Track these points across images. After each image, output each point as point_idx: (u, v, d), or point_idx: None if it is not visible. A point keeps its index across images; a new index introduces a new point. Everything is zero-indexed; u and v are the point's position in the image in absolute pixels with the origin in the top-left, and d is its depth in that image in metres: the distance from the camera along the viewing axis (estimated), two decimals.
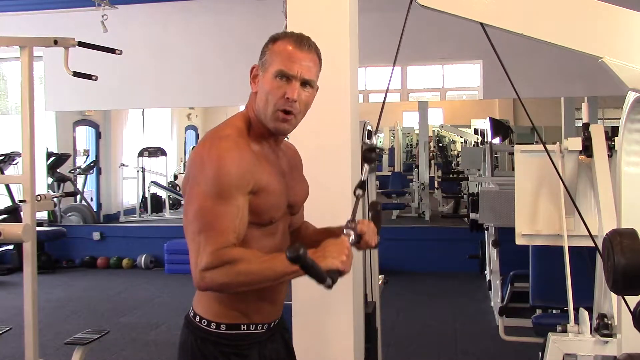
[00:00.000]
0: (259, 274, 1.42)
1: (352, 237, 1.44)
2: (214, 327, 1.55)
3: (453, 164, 9.71)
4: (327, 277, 1.32)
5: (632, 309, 1.17)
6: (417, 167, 8.73)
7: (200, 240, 1.42)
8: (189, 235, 1.46)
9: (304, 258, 1.25)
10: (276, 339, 1.66)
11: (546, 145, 1.99)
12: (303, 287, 1.94)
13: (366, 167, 1.46)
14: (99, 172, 8.81)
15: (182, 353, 1.60)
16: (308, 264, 1.27)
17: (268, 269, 1.42)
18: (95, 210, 8.63)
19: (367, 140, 1.46)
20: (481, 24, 1.43)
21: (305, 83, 1.52)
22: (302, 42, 1.53)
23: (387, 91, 1.64)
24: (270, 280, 1.44)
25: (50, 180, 7.99)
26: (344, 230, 1.45)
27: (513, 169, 2.93)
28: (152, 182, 9.36)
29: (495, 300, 4.96)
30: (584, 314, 2.24)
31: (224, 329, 1.55)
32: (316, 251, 1.38)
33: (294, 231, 1.76)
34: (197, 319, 1.57)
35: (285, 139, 1.69)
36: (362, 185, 1.45)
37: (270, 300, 1.60)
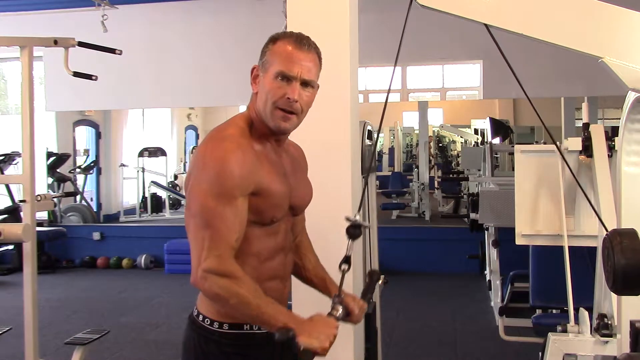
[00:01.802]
0: (250, 308, 1.43)
1: (340, 312, 1.51)
2: (217, 327, 1.55)
3: (453, 164, 9.72)
4: (303, 358, 1.40)
5: (630, 332, 1.16)
6: (417, 167, 8.74)
7: (205, 237, 1.43)
8: (191, 232, 1.47)
9: (291, 342, 1.36)
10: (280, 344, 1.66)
11: (545, 145, 1.99)
12: (303, 287, 1.94)
13: (350, 242, 1.50)
14: (99, 172, 8.81)
15: (186, 352, 1.61)
16: (292, 346, 1.37)
17: (259, 309, 1.43)
18: (95, 210, 8.63)
19: (349, 216, 1.49)
20: (485, 25, 1.43)
21: (305, 83, 1.52)
22: (302, 42, 1.53)
23: (389, 91, 1.64)
24: (254, 320, 1.48)
25: (50, 180, 7.99)
26: (333, 303, 1.52)
27: (513, 169, 2.93)
28: (152, 182, 9.36)
29: (495, 300, 4.96)
30: (584, 314, 2.24)
31: (227, 328, 1.55)
32: (304, 323, 1.44)
33: (297, 245, 1.75)
34: (200, 318, 1.57)
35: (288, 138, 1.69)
36: (347, 260, 1.50)
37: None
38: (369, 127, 2.84)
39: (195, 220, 1.45)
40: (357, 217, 1.48)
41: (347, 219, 1.47)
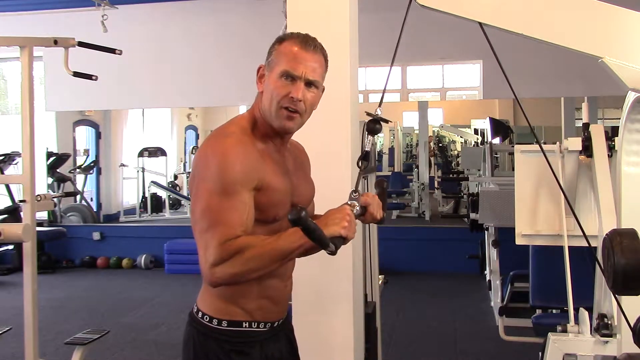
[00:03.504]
0: (267, 255, 1.42)
1: (357, 208, 1.46)
2: (216, 324, 1.55)
3: (453, 164, 9.72)
4: (329, 243, 1.33)
5: (632, 325, 1.16)
6: (417, 167, 8.74)
7: (207, 236, 1.43)
8: (196, 233, 1.47)
9: (305, 220, 1.26)
10: (280, 338, 1.67)
11: (546, 145, 1.99)
12: (303, 287, 1.94)
13: (370, 138, 1.47)
14: (99, 172, 8.81)
15: (186, 349, 1.61)
16: (310, 227, 1.29)
17: (274, 249, 1.42)
18: (95, 210, 8.63)
19: (370, 111, 1.47)
20: (480, 23, 1.43)
21: (309, 84, 1.53)
22: (308, 42, 1.54)
23: (384, 91, 1.64)
24: (279, 259, 1.45)
25: (50, 180, 7.98)
26: (348, 201, 1.47)
27: (513, 169, 2.92)
28: (152, 182, 9.36)
29: (495, 300, 4.96)
30: (584, 314, 2.24)
31: (226, 325, 1.55)
32: (318, 220, 1.39)
33: None
34: (200, 315, 1.58)
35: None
36: (365, 156, 1.48)
37: (272, 299, 1.60)
38: None
39: (200, 222, 1.45)
40: (379, 111, 1.45)
41: (368, 114, 1.45)
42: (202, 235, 1.45)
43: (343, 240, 1.38)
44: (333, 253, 1.35)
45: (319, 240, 1.31)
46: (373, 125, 1.46)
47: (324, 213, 1.46)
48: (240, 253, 1.41)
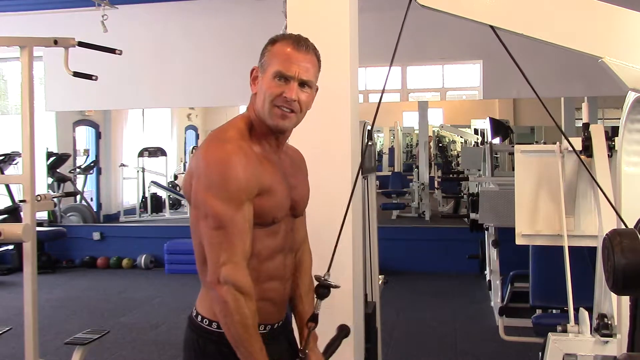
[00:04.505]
0: (243, 340, 1.46)
1: None
2: (215, 327, 1.55)
3: (453, 164, 9.71)
4: None
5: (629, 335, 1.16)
6: (417, 167, 8.74)
7: (222, 240, 1.45)
8: (205, 234, 1.48)
9: None
10: (280, 340, 1.67)
11: (546, 145, 1.99)
12: None
13: (317, 301, 1.57)
14: (99, 172, 8.81)
15: (185, 352, 1.62)
16: None
17: (249, 343, 1.47)
18: (95, 210, 8.63)
19: (320, 275, 1.54)
20: (491, 26, 1.43)
21: (303, 84, 1.54)
22: (300, 43, 1.54)
23: (383, 90, 1.64)
24: (237, 345, 1.48)
25: (50, 180, 7.98)
26: (299, 355, 1.58)
27: (513, 169, 2.93)
28: (152, 182, 9.36)
29: (495, 300, 4.96)
30: (584, 314, 2.24)
31: None
32: None
33: (297, 263, 1.75)
34: (199, 318, 1.58)
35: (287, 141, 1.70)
36: (314, 318, 1.59)
37: (272, 301, 1.60)
38: (369, 127, 2.84)
39: (208, 222, 1.46)
40: (327, 277, 1.53)
41: (317, 278, 1.51)
42: (211, 234, 1.46)
43: None
44: None
45: None
46: (322, 290, 1.55)
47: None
48: (246, 299, 1.44)
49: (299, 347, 1.60)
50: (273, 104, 1.52)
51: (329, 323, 2.37)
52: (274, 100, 1.52)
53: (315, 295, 1.56)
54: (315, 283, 1.57)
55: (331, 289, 1.54)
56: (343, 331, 1.74)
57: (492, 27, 1.44)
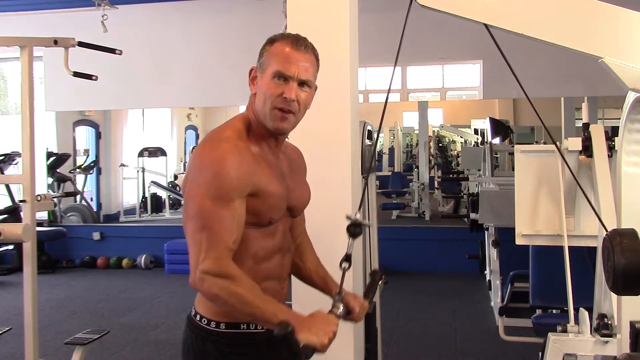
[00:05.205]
0: (249, 307, 1.43)
1: (341, 310, 1.51)
2: (214, 326, 1.55)
3: (453, 164, 9.72)
4: (302, 354, 1.37)
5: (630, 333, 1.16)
6: (417, 167, 8.74)
7: (202, 239, 1.43)
8: (188, 233, 1.47)
9: (290, 337, 1.32)
10: (279, 339, 1.66)
11: (546, 145, 1.99)
12: (303, 288, 1.94)
13: (350, 240, 1.49)
14: (99, 172, 8.81)
15: (185, 352, 1.62)
16: (291, 342, 1.33)
17: (258, 308, 1.43)
18: (95, 210, 8.63)
19: (350, 214, 1.49)
20: (485, 25, 1.43)
21: (302, 83, 1.54)
22: (299, 43, 1.54)
23: (388, 91, 1.64)
24: (254, 318, 1.48)
25: (50, 180, 7.98)
26: (334, 301, 1.51)
27: (513, 169, 2.93)
28: (152, 182, 9.36)
29: (495, 300, 4.96)
30: (584, 314, 2.24)
31: (224, 327, 1.55)
32: (304, 320, 1.42)
33: (297, 247, 1.75)
34: (198, 317, 1.58)
35: (287, 139, 1.70)
36: (347, 258, 1.50)
37: None
38: (369, 127, 2.84)
39: (193, 222, 1.46)
40: (358, 216, 1.47)
41: (348, 218, 1.47)
42: (194, 238, 1.45)
43: (315, 351, 1.40)
44: None
45: (293, 352, 1.36)
46: (354, 228, 1.49)
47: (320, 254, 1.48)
48: (232, 282, 1.42)
49: (337, 290, 1.53)
50: (273, 106, 1.52)
51: None
52: (274, 102, 1.51)
53: (348, 235, 1.48)
54: (348, 222, 1.50)
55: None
56: (377, 274, 1.70)
57: (486, 25, 1.44)
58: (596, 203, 2.30)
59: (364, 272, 2.74)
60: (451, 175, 8.83)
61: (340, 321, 1.51)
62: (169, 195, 9.52)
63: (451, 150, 10.16)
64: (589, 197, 2.51)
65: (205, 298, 1.55)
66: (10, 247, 6.96)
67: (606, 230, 1.18)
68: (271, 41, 1.56)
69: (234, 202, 1.45)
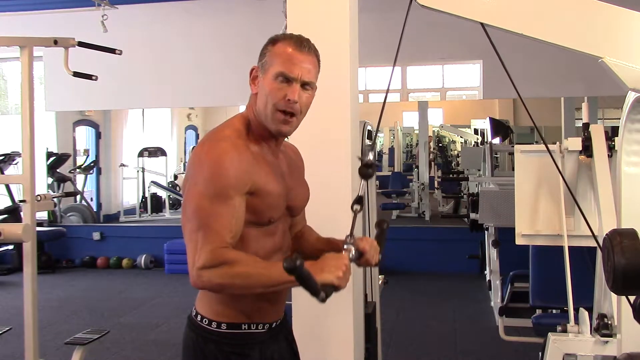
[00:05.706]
0: (256, 278, 1.42)
1: (353, 252, 1.45)
2: (215, 327, 1.55)
3: (453, 164, 9.72)
4: (321, 291, 1.33)
5: (632, 302, 1.17)
6: (417, 167, 8.74)
7: (198, 238, 1.43)
8: (186, 234, 1.47)
9: (299, 270, 1.26)
10: (279, 339, 1.66)
11: (547, 145, 1.99)
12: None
13: (363, 182, 1.45)
14: (99, 172, 8.81)
15: (186, 352, 1.61)
16: (303, 276, 1.28)
17: (264, 275, 1.42)
18: (95, 210, 8.63)
19: (364, 156, 1.44)
20: (481, 24, 1.43)
21: (305, 85, 1.53)
22: (302, 44, 1.53)
23: (387, 91, 1.64)
24: (266, 286, 1.45)
25: (50, 180, 7.98)
26: (344, 245, 1.45)
27: (513, 169, 2.92)
28: (152, 182, 9.36)
29: (495, 300, 4.96)
30: (584, 314, 2.24)
31: (225, 328, 1.55)
32: (315, 263, 1.39)
33: (297, 234, 1.76)
34: (199, 318, 1.58)
35: (286, 139, 1.70)
36: (359, 200, 1.45)
37: (270, 300, 1.60)
38: (369, 127, 2.84)
39: (191, 223, 1.45)
40: (370, 156, 1.43)
41: (360, 158, 1.43)
42: (191, 237, 1.44)
43: (335, 289, 1.36)
44: (323, 301, 1.33)
45: (311, 289, 1.32)
46: (366, 169, 1.44)
47: (325, 235, 1.42)
48: (230, 265, 1.40)
49: (348, 233, 1.46)
50: (276, 108, 1.51)
51: (328, 324, 2.37)
52: (277, 104, 1.51)
53: (360, 177, 1.44)
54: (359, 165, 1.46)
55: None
56: (384, 223, 1.64)
57: (482, 25, 1.44)
58: (596, 203, 2.31)
59: (364, 273, 2.74)
60: (451, 175, 8.83)
61: (353, 264, 1.45)
62: (169, 195, 9.52)
63: (451, 150, 10.16)
64: (589, 197, 2.51)
65: (209, 296, 1.55)
66: (10, 247, 6.96)
67: (593, 233, 1.18)
68: (273, 41, 1.55)
69: (233, 200, 1.45)
